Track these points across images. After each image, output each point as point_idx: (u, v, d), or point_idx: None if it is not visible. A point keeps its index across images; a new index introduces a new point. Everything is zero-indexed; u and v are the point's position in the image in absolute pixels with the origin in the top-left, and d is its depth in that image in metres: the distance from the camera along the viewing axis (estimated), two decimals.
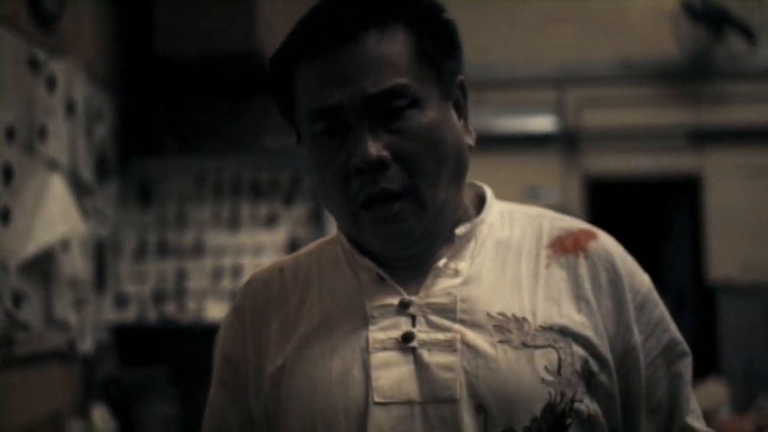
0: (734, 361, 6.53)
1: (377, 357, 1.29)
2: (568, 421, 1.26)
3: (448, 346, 1.27)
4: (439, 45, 1.32)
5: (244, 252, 4.39)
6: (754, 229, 6.86)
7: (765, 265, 6.78)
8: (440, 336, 1.28)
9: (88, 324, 3.90)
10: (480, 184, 1.45)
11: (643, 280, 1.38)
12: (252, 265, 4.27)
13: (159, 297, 4.36)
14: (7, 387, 3.19)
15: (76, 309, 3.73)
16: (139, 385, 4.07)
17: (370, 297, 1.33)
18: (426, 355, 1.28)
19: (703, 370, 5.07)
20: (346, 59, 1.27)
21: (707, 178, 7.01)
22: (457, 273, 1.32)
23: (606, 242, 1.39)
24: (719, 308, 6.77)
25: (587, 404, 1.29)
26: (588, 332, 1.30)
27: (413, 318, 1.30)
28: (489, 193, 1.43)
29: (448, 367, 1.27)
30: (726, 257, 6.87)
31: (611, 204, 6.76)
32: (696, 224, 7.11)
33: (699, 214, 7.07)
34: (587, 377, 1.29)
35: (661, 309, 1.38)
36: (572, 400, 1.27)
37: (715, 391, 4.42)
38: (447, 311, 1.30)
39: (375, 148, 1.26)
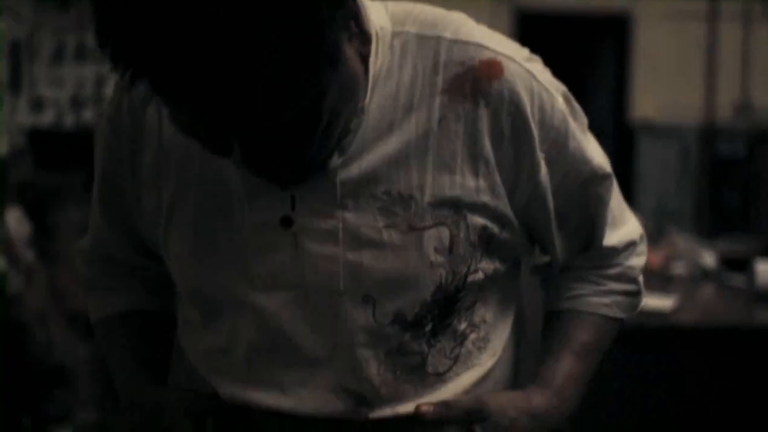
0: (648, 199, 6.68)
1: (254, 241, 1.17)
2: (461, 294, 1.20)
3: (330, 235, 1.16)
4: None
5: None
6: (678, 72, 6.91)
7: (684, 107, 6.87)
8: (321, 223, 1.16)
9: (2, 126, 3.80)
10: (367, 13, 1.17)
11: (555, 112, 1.21)
12: None
13: (77, 102, 4.25)
14: None
15: None
16: (55, 189, 4.01)
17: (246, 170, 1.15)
18: (307, 242, 1.16)
19: None
20: (230, 102, 0.96)
21: (637, 18, 7.00)
22: (339, 149, 1.15)
23: (513, 77, 1.18)
24: (637, 147, 6.88)
25: (484, 268, 1.21)
26: (485, 197, 1.18)
27: (293, 199, 1.16)
28: (375, 31, 1.17)
29: (330, 258, 1.16)
30: (648, 98, 6.94)
31: (540, 37, 6.72)
32: (622, 64, 7.13)
33: (626, 54, 7.08)
34: (486, 242, 1.20)
35: (578, 139, 1.24)
36: (465, 275, 1.19)
37: None
38: (327, 194, 1.15)
39: (265, 159, 1.06)
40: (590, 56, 7.73)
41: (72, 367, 3.81)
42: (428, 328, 1.20)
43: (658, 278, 3.53)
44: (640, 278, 1.36)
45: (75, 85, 4.25)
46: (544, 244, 1.31)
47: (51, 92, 4.24)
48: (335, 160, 1.14)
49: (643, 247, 1.37)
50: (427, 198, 1.16)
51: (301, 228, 1.16)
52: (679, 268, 3.77)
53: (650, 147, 6.84)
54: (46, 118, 4.23)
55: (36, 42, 4.21)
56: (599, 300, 1.34)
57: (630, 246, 1.35)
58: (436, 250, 1.17)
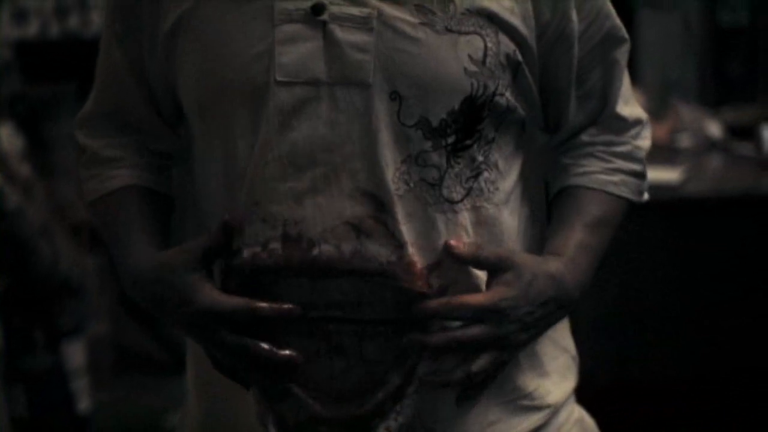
0: (650, 71, 6.59)
1: (282, 30, 1.17)
2: (485, 113, 1.20)
3: (363, 23, 1.16)
4: None
5: None
6: None
7: None
8: (355, 11, 1.17)
9: None
10: None
11: None
12: None
13: (61, 10, 4.16)
14: None
15: None
16: (46, 102, 3.96)
17: None
18: (338, 31, 1.17)
19: None
20: None
21: None
22: None
23: None
24: (638, 20, 6.77)
25: (508, 97, 1.22)
26: (516, 21, 1.21)
27: None
28: None
29: (361, 48, 1.16)
30: None
31: None
32: None
33: None
34: (513, 68, 1.22)
35: None
36: (493, 94, 1.20)
37: None
38: None
39: None
40: None
41: (80, 279, 3.80)
42: (450, 140, 1.19)
43: (664, 151, 3.50)
44: (645, 162, 1.37)
45: None
46: (558, 103, 1.31)
47: (33, 2, 4.15)
48: None
49: (648, 132, 1.38)
50: (465, 4, 1.17)
51: (333, 16, 1.17)
52: (685, 140, 3.73)
53: (651, 19, 6.74)
54: (31, 29, 4.15)
55: None
56: (608, 178, 1.33)
57: (638, 124, 1.36)
58: (470, 57, 1.18)
